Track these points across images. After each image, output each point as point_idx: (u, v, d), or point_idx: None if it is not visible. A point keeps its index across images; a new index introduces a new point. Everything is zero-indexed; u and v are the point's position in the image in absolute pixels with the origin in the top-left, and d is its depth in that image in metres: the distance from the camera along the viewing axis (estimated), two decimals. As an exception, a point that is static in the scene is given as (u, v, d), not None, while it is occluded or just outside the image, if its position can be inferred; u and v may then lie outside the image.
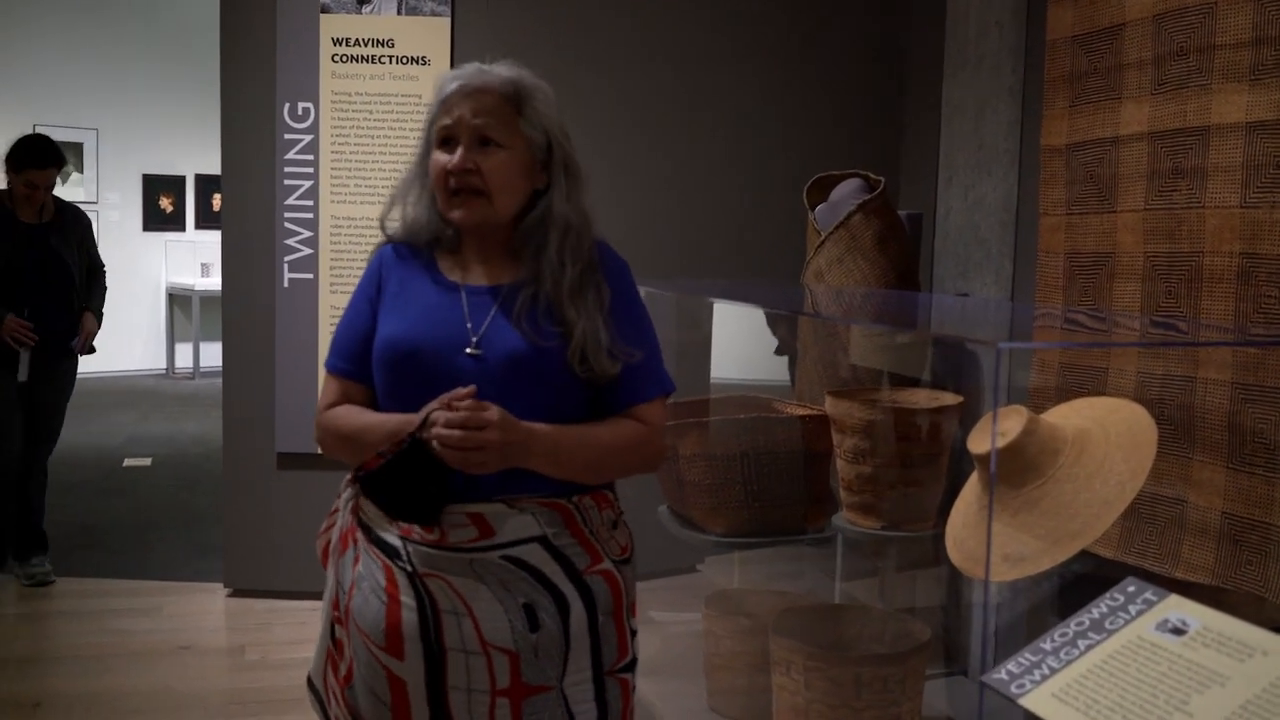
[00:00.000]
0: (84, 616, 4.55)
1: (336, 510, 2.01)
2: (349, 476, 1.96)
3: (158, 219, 11.45)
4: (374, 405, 1.94)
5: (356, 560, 1.90)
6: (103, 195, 11.09)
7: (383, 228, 2.02)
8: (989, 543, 1.98)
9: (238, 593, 4.82)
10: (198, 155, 10.94)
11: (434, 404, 1.76)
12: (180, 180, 11.47)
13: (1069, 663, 1.45)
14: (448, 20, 4.70)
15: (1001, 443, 2.12)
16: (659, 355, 1.99)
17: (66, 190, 10.79)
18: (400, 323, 1.91)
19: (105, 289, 5.27)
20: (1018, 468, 2.12)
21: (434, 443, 1.74)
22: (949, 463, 2.98)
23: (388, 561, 1.85)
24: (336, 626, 1.93)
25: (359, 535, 1.91)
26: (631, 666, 1.97)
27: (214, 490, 6.01)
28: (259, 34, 4.67)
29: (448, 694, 1.81)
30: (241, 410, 4.76)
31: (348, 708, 1.89)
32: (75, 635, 4.36)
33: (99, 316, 5.15)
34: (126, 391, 10.27)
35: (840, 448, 3.01)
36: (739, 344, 4.18)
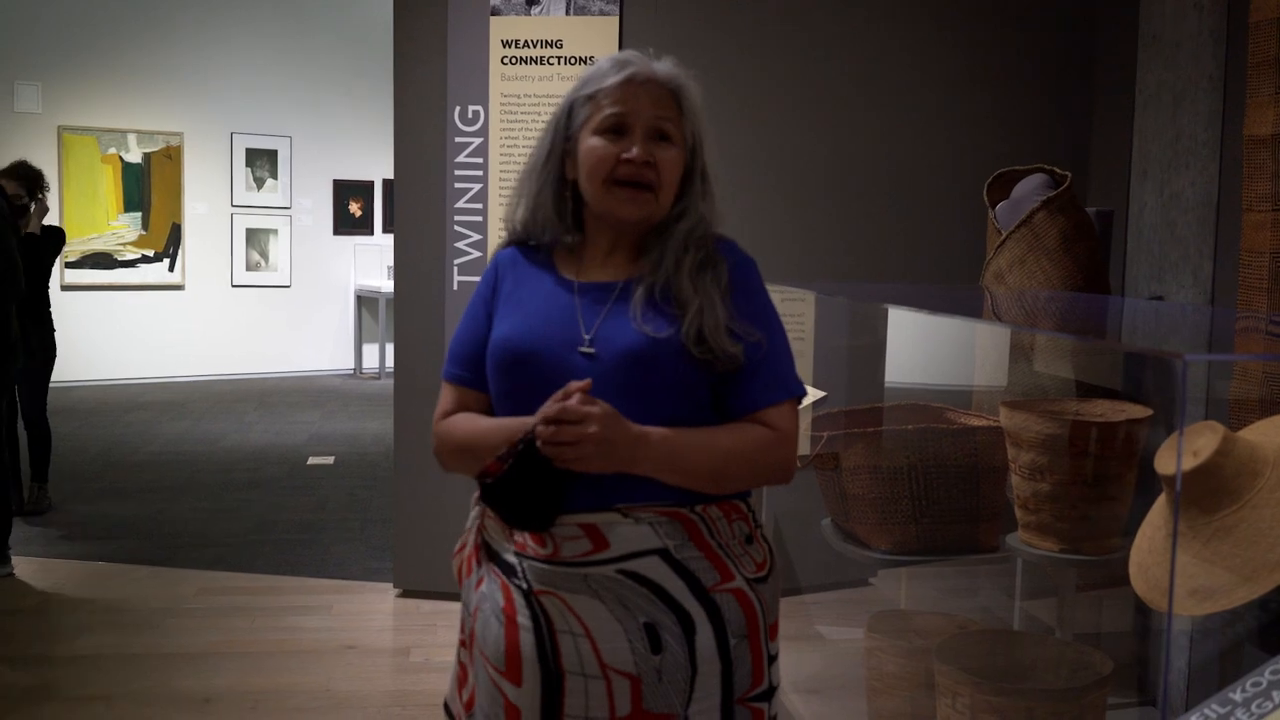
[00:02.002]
0: (257, 613, 4.66)
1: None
2: (476, 494, 1.89)
3: (347, 223, 11.81)
4: (491, 412, 1.85)
5: (480, 582, 1.82)
6: (296, 201, 11.48)
7: (511, 227, 1.93)
8: (1172, 574, 1.78)
9: (407, 593, 4.86)
10: (385, 160, 11.24)
11: (548, 403, 1.66)
12: (369, 185, 11.81)
13: (1262, 717, 1.28)
14: (616, 19, 4.64)
15: (1192, 463, 1.92)
16: (788, 357, 1.84)
17: (262, 196, 11.26)
18: (512, 323, 1.82)
19: None
20: (1210, 491, 1.91)
21: (539, 442, 1.65)
22: (1137, 481, 2.75)
23: (505, 580, 1.76)
24: (462, 650, 1.87)
25: (481, 555, 1.83)
26: (768, 695, 1.81)
27: (389, 490, 6.11)
28: (430, 38, 4.71)
29: None
30: (412, 412, 4.79)
31: None
32: (247, 632, 4.46)
33: None
34: (314, 391, 10.61)
35: (1016, 463, 2.81)
36: (915, 348, 4.00)
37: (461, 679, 1.87)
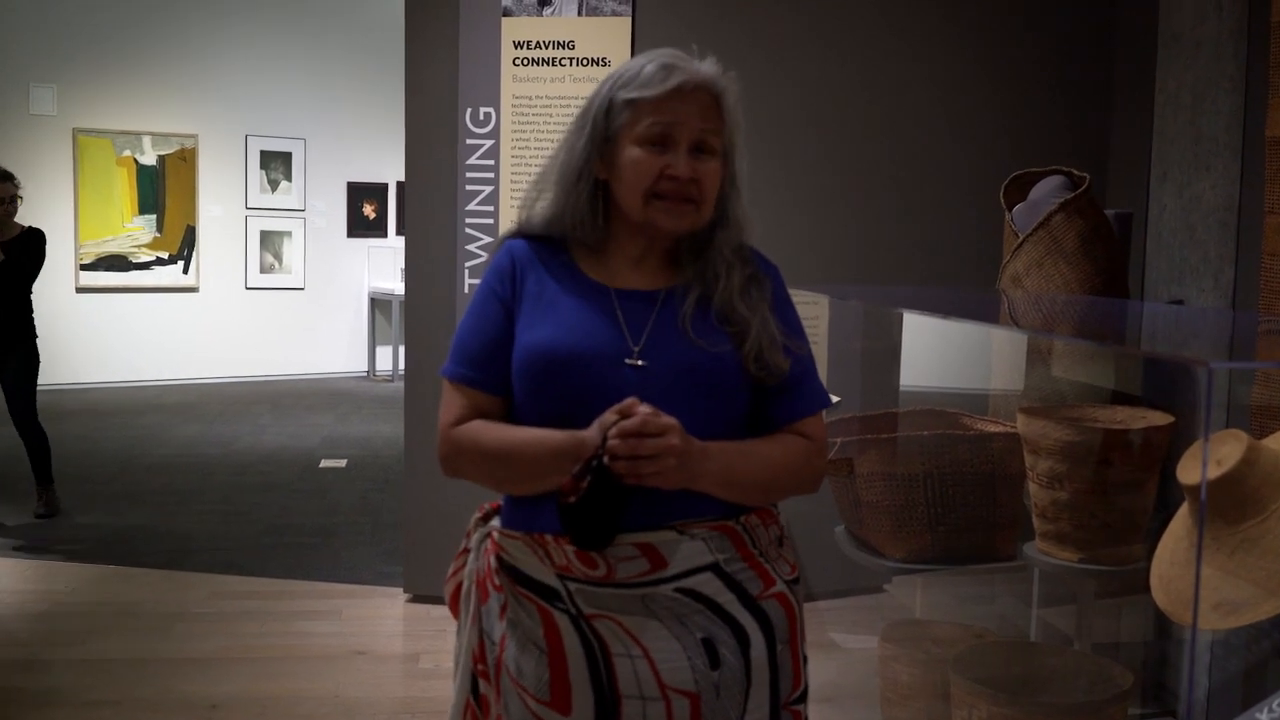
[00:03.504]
0: (266, 617, 4.63)
1: (466, 551, 1.86)
2: (478, 515, 1.83)
3: (361, 225, 11.79)
4: (507, 418, 1.76)
5: (504, 608, 1.74)
6: (310, 203, 11.47)
7: (528, 219, 1.82)
8: (1196, 587, 1.73)
9: (417, 598, 4.83)
10: (399, 163, 11.16)
11: (608, 416, 1.59)
12: (383, 187, 11.79)
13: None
14: (628, 20, 4.60)
15: (1216, 473, 1.87)
16: (815, 369, 1.85)
17: (276, 199, 11.25)
18: (549, 329, 1.71)
19: None
20: (1235, 501, 1.86)
21: (606, 458, 1.57)
22: (1158, 490, 2.70)
23: (545, 605, 1.69)
24: (482, 682, 1.79)
25: (502, 579, 1.75)
26: (804, 697, 1.82)
27: (401, 494, 6.08)
28: (442, 40, 4.68)
29: None
30: (423, 415, 4.76)
31: None
32: (256, 636, 4.43)
33: None
34: (327, 393, 10.59)
35: (1033, 470, 2.76)
36: (931, 351, 3.95)
37: (478, 714, 1.81)
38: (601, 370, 1.68)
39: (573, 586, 1.68)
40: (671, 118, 1.72)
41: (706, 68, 1.76)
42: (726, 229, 1.78)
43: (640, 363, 1.69)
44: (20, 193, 5.93)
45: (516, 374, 1.73)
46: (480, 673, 1.79)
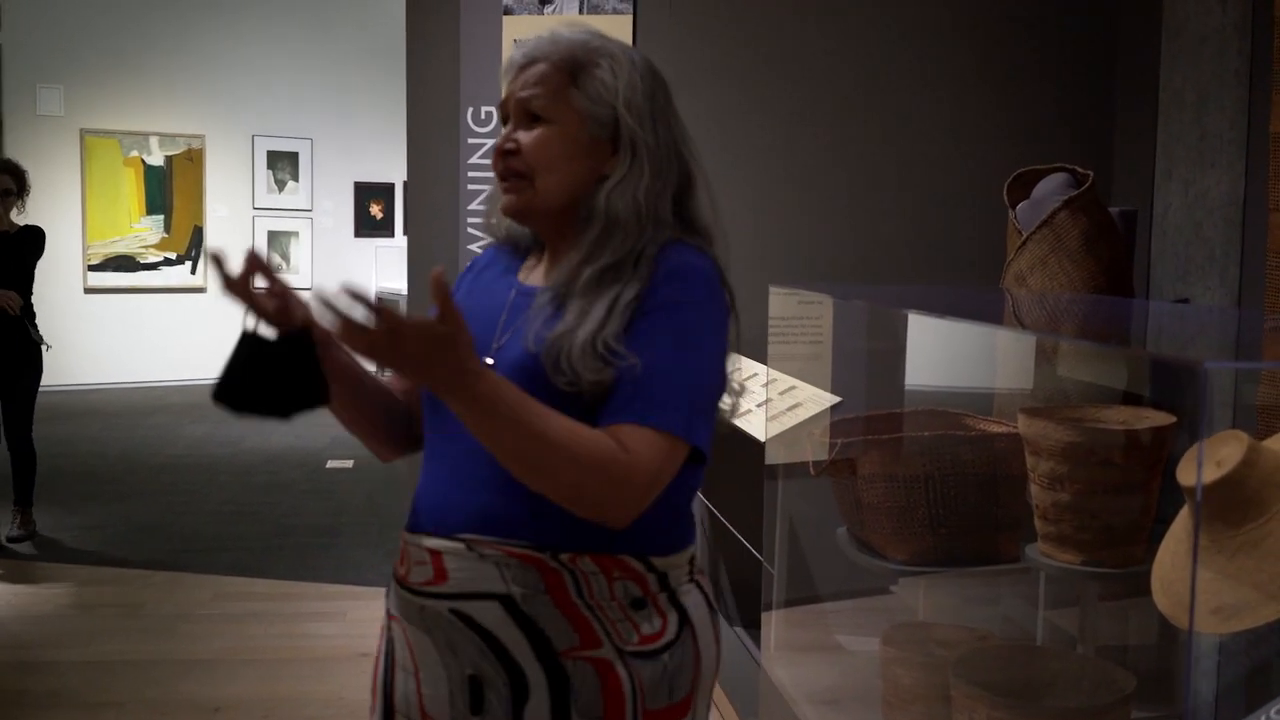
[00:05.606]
0: (272, 619, 4.62)
1: None
2: None
3: (368, 225, 11.81)
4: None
5: None
6: (317, 203, 11.48)
7: (485, 227, 1.73)
8: (1192, 591, 1.71)
9: (421, 599, 4.81)
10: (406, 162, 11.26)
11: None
12: (390, 187, 11.80)
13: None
14: (630, 18, 4.59)
15: (1216, 474, 1.85)
16: (684, 388, 1.44)
17: (284, 199, 11.27)
18: None
19: None
20: (1235, 503, 1.84)
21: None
22: (1161, 491, 2.67)
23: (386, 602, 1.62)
24: None
25: None
26: None
27: (408, 494, 6.08)
28: (442, 39, 4.66)
29: None
30: (426, 416, 4.75)
31: None
32: (261, 638, 4.42)
33: None
34: (337, 393, 10.57)
35: (1035, 472, 2.73)
36: (934, 350, 3.92)
37: None
38: None
39: (392, 583, 1.58)
40: (504, 94, 1.59)
41: (564, 34, 1.59)
42: (595, 216, 1.51)
43: (490, 361, 1.51)
44: (14, 186, 5.55)
45: None
46: None
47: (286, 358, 1.44)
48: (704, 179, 1.61)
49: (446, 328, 1.30)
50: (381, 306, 1.28)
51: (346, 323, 1.26)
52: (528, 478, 1.38)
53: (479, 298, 1.63)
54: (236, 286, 1.44)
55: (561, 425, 1.36)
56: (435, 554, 1.50)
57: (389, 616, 1.58)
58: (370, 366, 1.47)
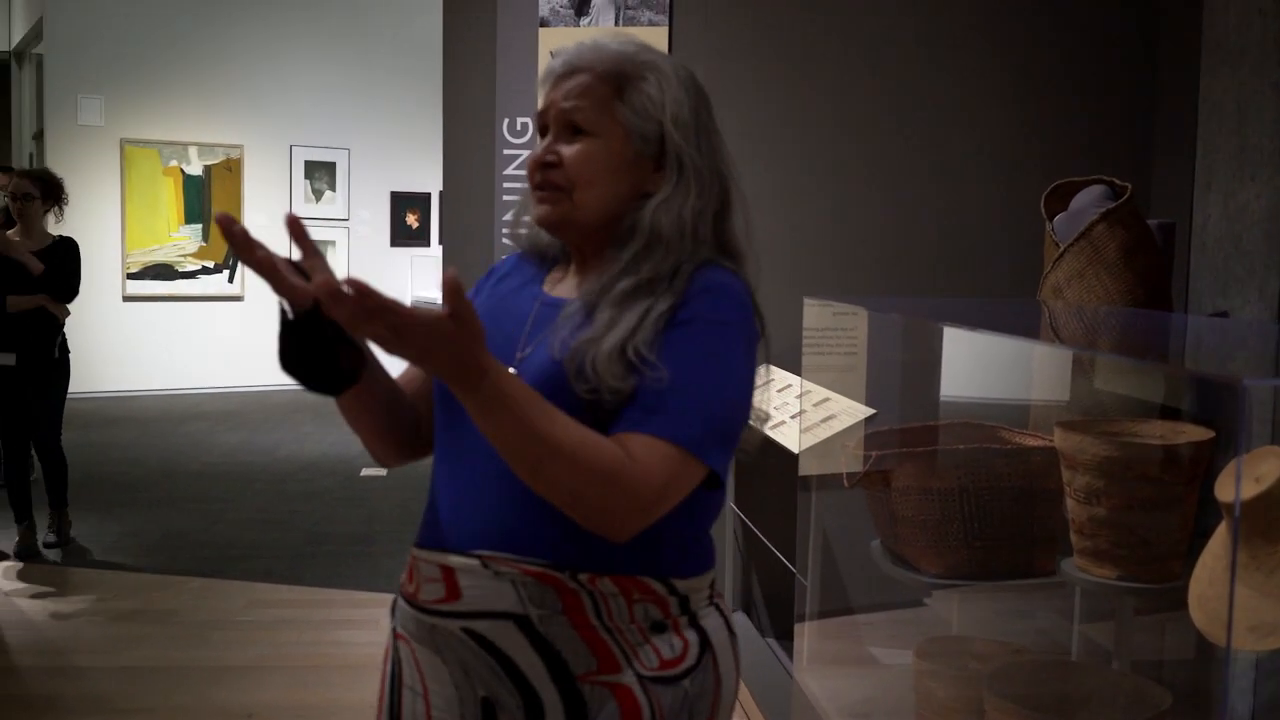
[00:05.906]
0: (305, 626, 4.65)
1: None
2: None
3: (405, 234, 11.87)
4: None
5: None
6: (354, 212, 11.56)
7: (512, 236, 1.68)
8: (1231, 608, 1.69)
9: (453, 608, 4.83)
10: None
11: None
12: (426, 197, 11.86)
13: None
14: (665, 30, 4.59)
15: (1254, 490, 1.83)
16: (704, 404, 1.40)
17: (321, 208, 11.34)
18: None
19: None
20: (1273, 520, 1.82)
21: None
22: (1198, 506, 2.64)
23: (390, 620, 1.60)
24: None
25: None
26: None
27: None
28: (480, 50, 4.69)
29: None
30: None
31: None
32: (294, 645, 4.44)
33: None
34: (371, 402, 10.62)
35: (1071, 486, 2.71)
36: (970, 362, 3.89)
37: None
38: None
39: (399, 601, 1.55)
40: (543, 104, 1.54)
41: (609, 44, 1.55)
42: (639, 232, 1.48)
43: (511, 370, 1.40)
44: (36, 191, 5.49)
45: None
46: None
47: (307, 333, 1.41)
48: (741, 199, 1.58)
49: (450, 320, 1.26)
50: (357, 282, 1.22)
51: (351, 312, 1.21)
52: (530, 478, 1.33)
53: (500, 307, 1.59)
54: (250, 256, 1.34)
55: (569, 428, 1.32)
56: (448, 570, 1.45)
57: (395, 636, 1.55)
58: (382, 356, 1.44)
